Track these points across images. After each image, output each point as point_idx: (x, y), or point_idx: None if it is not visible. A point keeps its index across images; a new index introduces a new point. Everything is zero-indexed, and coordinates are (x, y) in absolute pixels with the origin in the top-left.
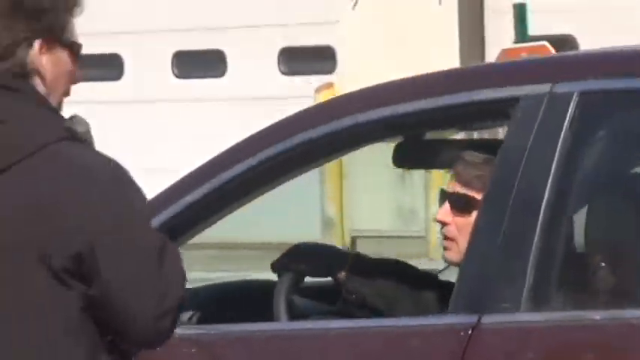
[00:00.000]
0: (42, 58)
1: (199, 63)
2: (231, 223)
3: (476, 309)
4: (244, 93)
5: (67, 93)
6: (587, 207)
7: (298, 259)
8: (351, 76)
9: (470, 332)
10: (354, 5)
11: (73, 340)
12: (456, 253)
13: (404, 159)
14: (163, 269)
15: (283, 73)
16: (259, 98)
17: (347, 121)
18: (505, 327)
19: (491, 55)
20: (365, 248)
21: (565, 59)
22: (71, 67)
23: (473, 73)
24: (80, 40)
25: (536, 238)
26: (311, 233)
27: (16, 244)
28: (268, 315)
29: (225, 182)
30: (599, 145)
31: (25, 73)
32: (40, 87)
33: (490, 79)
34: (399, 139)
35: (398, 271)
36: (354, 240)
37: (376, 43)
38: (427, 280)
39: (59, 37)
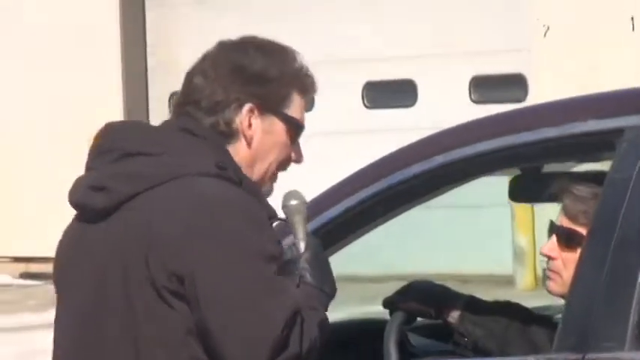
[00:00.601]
0: (250, 122)
1: (389, 93)
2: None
3: (580, 348)
4: (434, 122)
5: (281, 167)
6: None
7: (410, 298)
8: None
9: None
10: (546, 33)
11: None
12: (560, 285)
13: (519, 193)
14: (282, 322)
15: (473, 101)
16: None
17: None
18: None
19: None
20: None
21: None
22: (285, 140)
23: (577, 103)
24: None
25: None
26: (503, 264)
27: (127, 264)
28: (378, 356)
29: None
30: None
31: (230, 131)
32: (244, 150)
33: (595, 109)
34: (515, 172)
35: (511, 313)
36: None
37: (567, 71)
38: (540, 320)
39: (274, 107)
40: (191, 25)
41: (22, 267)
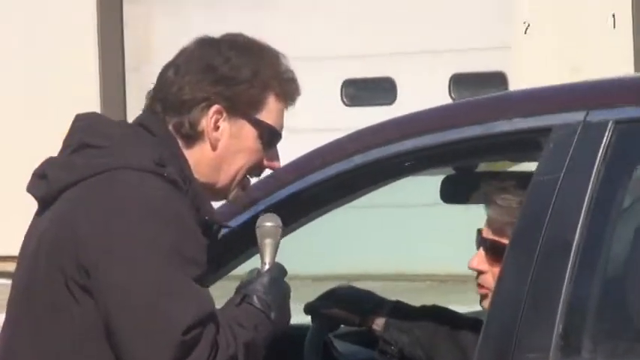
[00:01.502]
0: (217, 125)
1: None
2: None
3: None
4: None
5: (252, 173)
6: (623, 249)
7: (333, 303)
8: None
9: None
10: (526, 30)
11: (74, 355)
12: None
13: (450, 193)
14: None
15: (453, 99)
16: None
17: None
18: None
19: None
20: None
21: (599, 85)
22: (255, 145)
23: (503, 100)
24: None
25: (566, 284)
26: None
27: (48, 254)
28: None
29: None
30: (637, 178)
31: (195, 133)
32: (208, 152)
33: (521, 107)
34: (446, 173)
35: (438, 318)
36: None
37: (549, 69)
38: (471, 324)
39: (245, 110)
40: (169, 22)
41: (9, 266)
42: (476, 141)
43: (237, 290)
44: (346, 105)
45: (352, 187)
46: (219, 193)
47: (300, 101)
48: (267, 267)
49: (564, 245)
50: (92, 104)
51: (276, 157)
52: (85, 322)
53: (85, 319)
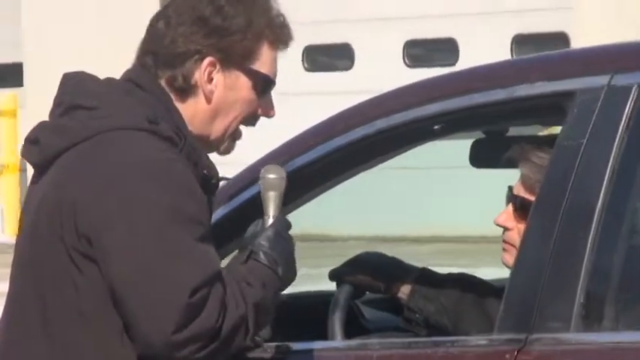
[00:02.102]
0: (210, 77)
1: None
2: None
3: (523, 328)
4: None
5: (246, 123)
6: None
7: (358, 270)
8: None
9: (515, 354)
10: None
11: (82, 324)
12: (514, 256)
13: (480, 157)
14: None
15: None
16: None
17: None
18: (553, 349)
19: None
20: None
21: (625, 48)
22: (250, 96)
23: (526, 63)
24: None
25: (588, 249)
26: None
27: (45, 223)
28: (323, 331)
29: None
30: None
31: (188, 86)
32: (203, 106)
33: (544, 70)
34: (477, 136)
35: (464, 286)
36: None
37: (611, 29)
38: (496, 292)
39: (239, 61)
40: None
41: None
42: (499, 105)
43: (242, 245)
44: (408, 66)
45: (375, 152)
46: (212, 145)
47: (362, 63)
48: (270, 220)
49: (587, 212)
50: None
51: (271, 105)
52: (90, 291)
53: (90, 287)
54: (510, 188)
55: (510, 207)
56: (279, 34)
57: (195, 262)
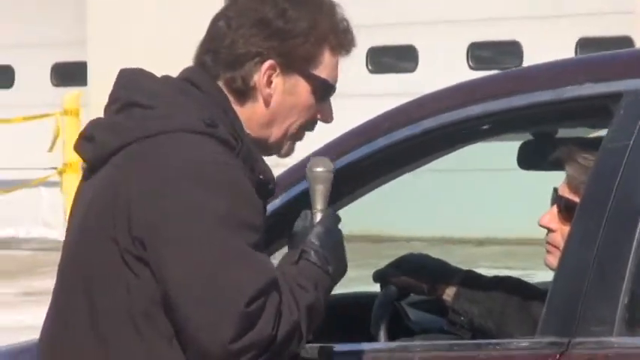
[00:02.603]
0: (270, 80)
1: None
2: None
3: (566, 332)
4: None
5: (305, 128)
6: None
7: (402, 272)
8: None
9: (557, 358)
10: None
11: (133, 327)
12: (558, 258)
13: (528, 160)
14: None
15: None
16: None
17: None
18: (596, 353)
19: None
20: None
21: None
22: (309, 101)
23: (573, 64)
24: None
25: (632, 255)
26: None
27: (98, 223)
28: (367, 332)
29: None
30: None
31: (247, 88)
32: (261, 109)
33: (592, 71)
34: (526, 138)
35: (510, 289)
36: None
37: None
38: (542, 296)
39: (299, 66)
40: None
41: None
42: (546, 106)
43: (291, 241)
44: (471, 68)
45: (421, 153)
46: (272, 148)
47: (425, 65)
48: (319, 215)
49: (632, 215)
50: None
51: (330, 111)
52: (143, 294)
53: (143, 291)
54: (555, 190)
55: (555, 208)
56: (342, 40)
57: (251, 269)
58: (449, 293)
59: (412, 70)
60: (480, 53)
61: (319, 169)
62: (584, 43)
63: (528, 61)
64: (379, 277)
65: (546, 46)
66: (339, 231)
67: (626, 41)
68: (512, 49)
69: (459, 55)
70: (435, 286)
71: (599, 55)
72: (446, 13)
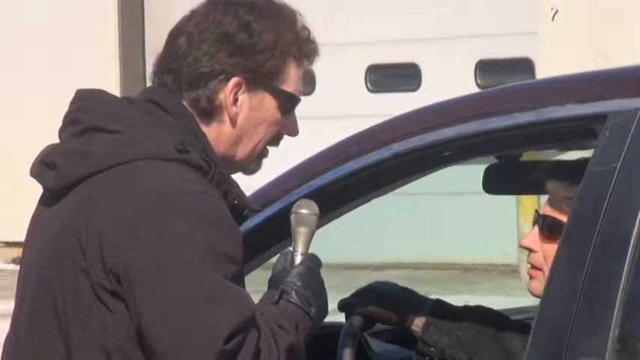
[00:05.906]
0: (236, 98)
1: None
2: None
3: None
4: None
5: (271, 143)
6: None
7: (369, 301)
8: None
9: None
10: (554, 16)
11: None
12: (541, 283)
13: (494, 183)
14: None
15: (478, 85)
16: None
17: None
18: None
19: None
20: None
21: None
22: (276, 116)
23: (556, 84)
24: None
25: (623, 283)
26: (507, 253)
27: (65, 254)
28: None
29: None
30: None
31: (212, 108)
32: (227, 128)
33: (575, 92)
34: (489, 162)
35: (482, 319)
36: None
37: (576, 55)
38: (517, 326)
39: (265, 81)
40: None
41: (15, 252)
42: (525, 128)
43: (272, 282)
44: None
45: (390, 177)
46: (238, 166)
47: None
48: (299, 257)
49: (621, 241)
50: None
51: (295, 124)
52: (118, 331)
53: (118, 328)
54: (537, 211)
55: (536, 229)
56: (306, 50)
57: (230, 305)
58: (417, 323)
59: (309, 93)
60: (378, 76)
61: (304, 211)
62: (483, 65)
63: (427, 83)
64: (344, 306)
65: (445, 67)
66: (320, 273)
67: (527, 63)
68: (411, 72)
69: (358, 78)
70: (403, 316)
71: (581, 74)
72: (344, 35)
